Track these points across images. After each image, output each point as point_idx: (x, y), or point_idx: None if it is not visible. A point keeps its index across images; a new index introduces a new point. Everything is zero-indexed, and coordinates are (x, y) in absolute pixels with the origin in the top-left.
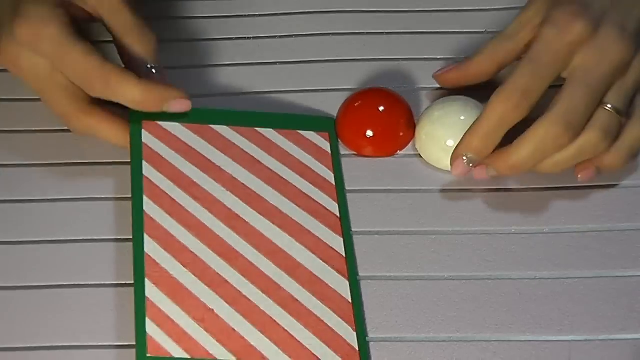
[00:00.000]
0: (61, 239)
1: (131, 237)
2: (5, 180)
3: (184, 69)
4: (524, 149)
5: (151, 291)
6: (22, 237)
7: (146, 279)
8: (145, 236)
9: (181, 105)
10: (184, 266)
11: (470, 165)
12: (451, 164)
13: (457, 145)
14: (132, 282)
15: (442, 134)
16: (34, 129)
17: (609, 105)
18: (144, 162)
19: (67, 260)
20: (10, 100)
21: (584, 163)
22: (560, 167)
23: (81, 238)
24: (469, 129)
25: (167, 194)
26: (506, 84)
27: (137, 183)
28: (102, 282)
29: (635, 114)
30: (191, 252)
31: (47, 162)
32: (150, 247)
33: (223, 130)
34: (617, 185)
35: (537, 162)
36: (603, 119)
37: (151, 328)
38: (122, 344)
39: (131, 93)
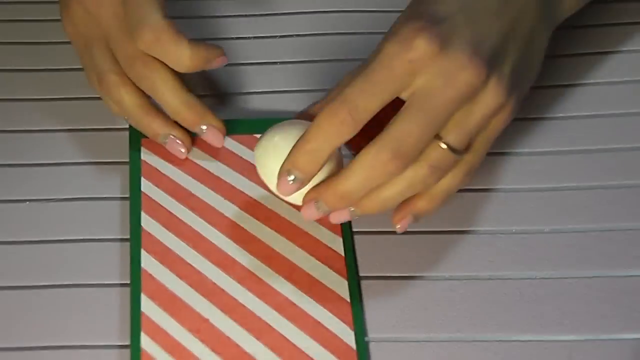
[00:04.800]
0: (61, 238)
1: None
2: (5, 180)
3: None
4: (353, 175)
5: (147, 305)
6: (22, 237)
7: (142, 294)
8: (143, 251)
9: (221, 61)
10: (180, 278)
11: (294, 183)
12: (277, 183)
13: (283, 162)
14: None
15: (273, 163)
16: (34, 128)
17: (444, 143)
18: (142, 179)
19: (67, 260)
20: (10, 100)
21: (401, 211)
22: (389, 203)
23: (81, 238)
24: (294, 145)
25: (164, 207)
26: (335, 100)
27: (135, 200)
28: (102, 282)
29: (461, 161)
30: (188, 263)
31: (47, 162)
32: (147, 262)
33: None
34: (617, 185)
35: (367, 190)
36: (435, 155)
37: (146, 342)
38: (122, 343)
39: (181, 54)
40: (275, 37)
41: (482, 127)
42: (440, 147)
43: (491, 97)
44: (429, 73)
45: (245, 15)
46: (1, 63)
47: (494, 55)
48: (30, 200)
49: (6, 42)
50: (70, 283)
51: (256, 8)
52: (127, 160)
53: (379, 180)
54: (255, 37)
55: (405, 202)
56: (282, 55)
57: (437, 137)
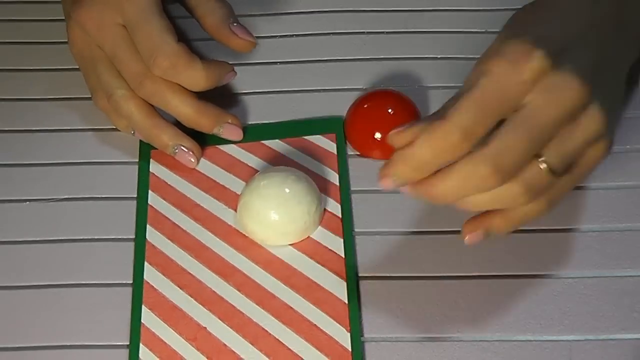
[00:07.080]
0: (62, 238)
1: (132, 236)
2: (5, 180)
3: None
4: (449, 182)
5: (147, 317)
6: (23, 236)
7: (143, 306)
8: (146, 264)
9: (231, 76)
10: (180, 288)
11: (394, 183)
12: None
13: (388, 163)
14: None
15: (258, 206)
16: (34, 128)
17: (544, 163)
18: (150, 192)
19: (68, 260)
20: (10, 100)
21: (472, 224)
22: (477, 207)
23: (82, 238)
24: (402, 153)
25: (169, 219)
26: (447, 120)
27: (142, 213)
28: (103, 282)
29: (550, 188)
30: (189, 273)
31: (47, 162)
32: (150, 274)
33: (229, 148)
34: (617, 185)
35: (459, 197)
36: (531, 175)
37: (144, 353)
38: (123, 343)
39: (196, 76)
40: (275, 37)
41: (580, 153)
42: (539, 166)
43: (592, 122)
44: (536, 91)
45: (245, 16)
46: (1, 63)
47: (597, 83)
48: (30, 200)
49: (6, 42)
50: (72, 283)
51: (256, 8)
52: (129, 160)
53: (472, 192)
54: (255, 37)
55: (479, 217)
56: (282, 55)
57: (537, 156)
